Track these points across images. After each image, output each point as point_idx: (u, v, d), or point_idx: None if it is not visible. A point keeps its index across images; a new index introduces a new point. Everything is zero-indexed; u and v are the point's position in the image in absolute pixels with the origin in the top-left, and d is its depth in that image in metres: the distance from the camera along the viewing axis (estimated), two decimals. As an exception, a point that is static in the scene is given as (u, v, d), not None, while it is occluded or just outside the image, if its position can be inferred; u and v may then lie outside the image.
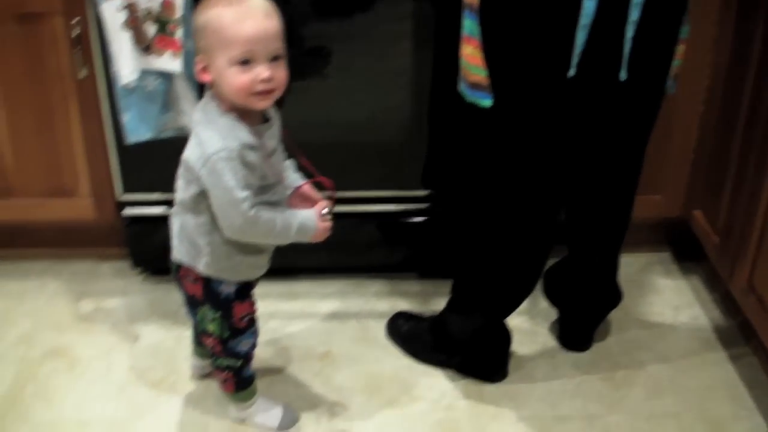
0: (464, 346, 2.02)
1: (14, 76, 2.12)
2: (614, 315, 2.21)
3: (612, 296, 2.12)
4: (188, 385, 2.02)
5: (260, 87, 1.52)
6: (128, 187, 2.21)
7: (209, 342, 1.78)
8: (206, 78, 1.56)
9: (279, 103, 1.65)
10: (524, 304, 2.19)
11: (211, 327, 1.75)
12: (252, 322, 1.79)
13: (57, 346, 2.14)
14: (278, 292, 2.31)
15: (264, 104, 1.56)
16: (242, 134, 1.55)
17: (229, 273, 1.69)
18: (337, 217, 2.13)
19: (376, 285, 2.36)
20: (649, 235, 2.47)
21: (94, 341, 2.16)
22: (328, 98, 2.14)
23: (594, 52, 1.60)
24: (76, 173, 2.24)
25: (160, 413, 1.94)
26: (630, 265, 2.40)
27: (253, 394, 1.89)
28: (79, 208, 2.29)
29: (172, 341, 2.15)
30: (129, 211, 2.25)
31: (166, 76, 1.99)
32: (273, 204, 1.64)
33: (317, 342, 2.14)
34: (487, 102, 1.73)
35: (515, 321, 2.19)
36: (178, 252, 1.71)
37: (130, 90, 1.98)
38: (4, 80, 2.13)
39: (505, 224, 1.86)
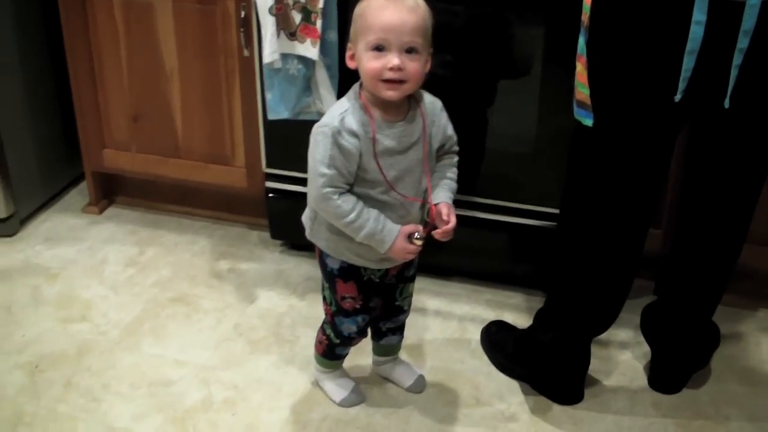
0: (540, 359, 2.00)
1: (190, 49, 2.38)
2: (717, 365, 2.10)
3: (705, 342, 2.02)
4: (280, 349, 2.16)
5: (389, 74, 1.56)
6: (271, 162, 2.39)
7: (324, 308, 1.88)
8: (352, 64, 1.64)
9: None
10: (630, 338, 2.17)
11: (326, 294, 1.85)
12: (356, 311, 1.83)
13: (184, 295, 2.37)
14: (396, 284, 2.40)
15: (392, 94, 1.59)
16: (351, 119, 1.61)
17: (326, 247, 1.76)
18: (470, 222, 2.23)
19: (490, 294, 2.38)
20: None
21: (216, 296, 2.36)
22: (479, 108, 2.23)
23: (701, 79, 1.57)
24: (234, 143, 2.46)
25: (245, 368, 2.10)
26: (754, 319, 2.27)
27: (334, 367, 2.00)
28: (234, 175, 2.51)
29: (283, 309, 2.31)
30: (270, 184, 2.43)
31: (308, 63, 2.14)
32: (379, 202, 1.67)
33: (413, 334, 2.19)
34: (588, 121, 1.73)
35: (617, 354, 2.16)
36: (304, 214, 1.82)
37: (275, 71, 2.16)
38: (181, 52, 2.39)
39: (591, 243, 1.86)
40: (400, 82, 1.58)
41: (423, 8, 1.59)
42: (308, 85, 2.19)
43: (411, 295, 1.95)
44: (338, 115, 1.62)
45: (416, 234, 1.69)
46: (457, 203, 2.21)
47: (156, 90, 2.46)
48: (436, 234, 1.70)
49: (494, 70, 2.17)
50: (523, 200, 2.26)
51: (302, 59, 2.13)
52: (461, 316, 2.30)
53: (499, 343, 2.14)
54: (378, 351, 2.04)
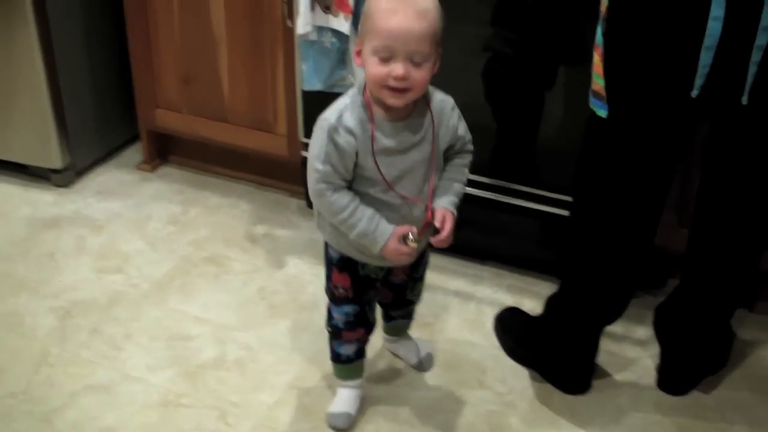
0: (547, 345, 2.02)
1: (237, 18, 2.46)
2: (732, 372, 2.09)
3: (718, 347, 2.00)
4: (298, 316, 2.23)
5: (393, 83, 1.51)
6: (308, 132, 2.41)
7: None
8: (358, 61, 1.58)
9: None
10: (647, 337, 2.16)
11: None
12: (347, 300, 1.79)
13: (217, 255, 2.46)
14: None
15: (395, 102, 1.55)
16: (349, 116, 1.58)
17: (329, 239, 1.74)
18: (503, 208, 2.28)
19: (513, 279, 2.39)
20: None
21: (247, 259, 2.44)
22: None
23: (718, 74, 1.56)
24: (276, 111, 2.54)
25: (262, 331, 2.18)
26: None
27: (341, 374, 1.93)
28: (275, 143, 2.58)
29: (309, 277, 2.37)
30: (306, 154, 2.48)
31: (342, 37, 2.19)
32: (378, 201, 1.63)
33: (429, 312, 2.23)
34: (602, 112, 1.73)
35: (631, 350, 2.15)
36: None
37: (310, 43, 2.21)
38: (228, 20, 2.47)
39: (600, 232, 1.86)
40: (405, 90, 1.53)
41: (433, 12, 1.52)
42: (343, 59, 2.23)
43: (422, 290, 1.95)
44: (337, 111, 1.59)
45: (410, 236, 1.64)
46: (493, 188, 2.27)
47: (205, 54, 2.54)
48: (432, 241, 1.68)
49: (555, 52, 2.14)
50: (559, 190, 2.25)
51: (337, 33, 2.18)
52: (481, 299, 2.32)
53: (510, 328, 2.16)
54: (387, 330, 2.07)
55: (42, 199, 2.68)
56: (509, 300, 2.31)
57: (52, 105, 2.60)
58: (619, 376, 2.08)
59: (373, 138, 1.58)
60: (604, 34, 1.66)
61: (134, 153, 2.94)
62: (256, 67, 2.49)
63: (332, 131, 1.57)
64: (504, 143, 2.29)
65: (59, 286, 2.31)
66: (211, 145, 2.74)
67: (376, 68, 1.52)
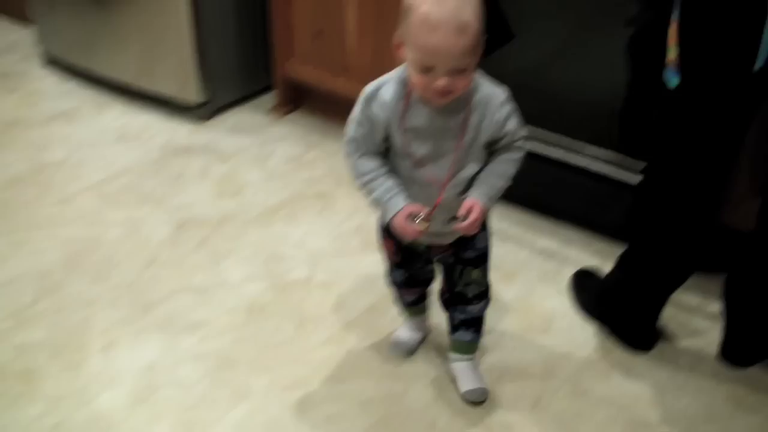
0: (614, 299, 2.09)
1: (366, -23, 2.64)
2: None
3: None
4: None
5: (436, 90, 1.52)
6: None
7: None
8: (400, 54, 1.56)
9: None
10: (720, 311, 2.17)
11: None
12: (396, 264, 1.88)
13: (325, 193, 2.67)
14: (518, 219, 2.54)
15: (440, 101, 1.55)
16: (387, 90, 1.60)
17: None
18: (601, 180, 2.35)
19: (602, 244, 2.45)
20: None
21: (352, 200, 2.61)
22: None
23: None
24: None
25: (352, 261, 2.36)
26: None
27: (405, 313, 2.03)
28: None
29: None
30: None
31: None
32: (409, 179, 1.65)
33: (511, 265, 2.34)
34: (674, 81, 1.80)
35: (702, 320, 2.20)
36: None
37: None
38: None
39: (668, 199, 1.91)
40: (448, 93, 1.53)
41: (474, 23, 1.48)
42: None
43: (477, 284, 1.86)
44: (379, 83, 1.62)
45: (417, 217, 1.64)
46: (596, 158, 2.34)
47: (336, 11, 2.73)
48: (453, 227, 1.67)
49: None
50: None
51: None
52: (564, 258, 2.40)
53: (585, 287, 2.23)
54: (451, 346, 1.98)
55: (179, 130, 2.96)
56: (593, 262, 2.37)
57: (195, 47, 2.86)
58: (684, 343, 2.12)
59: (404, 115, 1.60)
60: (681, 7, 1.74)
61: (269, 99, 3.17)
62: (380, 26, 2.65)
63: (368, 100, 1.62)
64: (627, 117, 2.35)
65: (179, 203, 2.56)
66: (338, 96, 2.92)
67: (417, 77, 1.53)
